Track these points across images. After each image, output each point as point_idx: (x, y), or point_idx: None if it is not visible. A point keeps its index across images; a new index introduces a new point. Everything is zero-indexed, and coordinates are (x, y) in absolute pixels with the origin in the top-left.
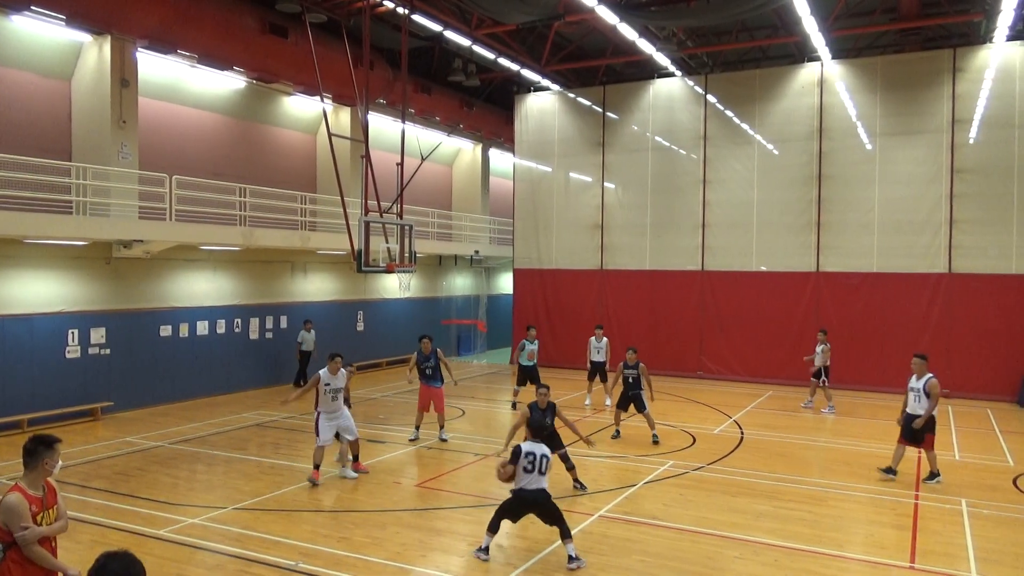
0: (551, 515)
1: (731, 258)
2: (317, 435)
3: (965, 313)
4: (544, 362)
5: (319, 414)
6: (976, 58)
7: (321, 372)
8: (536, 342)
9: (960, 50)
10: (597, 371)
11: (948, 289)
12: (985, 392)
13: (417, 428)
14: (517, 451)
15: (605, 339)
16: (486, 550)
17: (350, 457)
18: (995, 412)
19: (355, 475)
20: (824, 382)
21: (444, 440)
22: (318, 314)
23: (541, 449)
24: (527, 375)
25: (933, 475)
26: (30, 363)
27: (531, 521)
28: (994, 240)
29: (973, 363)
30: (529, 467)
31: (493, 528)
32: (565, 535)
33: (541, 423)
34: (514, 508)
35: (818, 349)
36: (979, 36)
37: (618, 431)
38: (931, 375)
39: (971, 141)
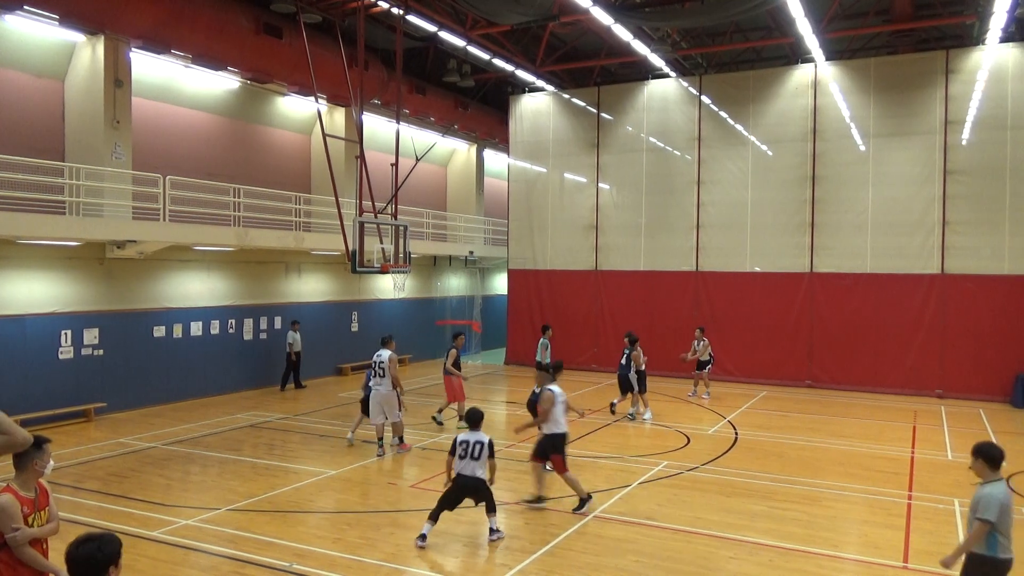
0: (483, 497)
1: (725, 259)
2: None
3: (958, 313)
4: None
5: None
6: (969, 60)
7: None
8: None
9: (953, 52)
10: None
11: (941, 290)
12: (978, 392)
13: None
14: (454, 443)
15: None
16: (423, 537)
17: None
18: (987, 412)
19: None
20: (707, 371)
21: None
22: (312, 315)
23: (476, 437)
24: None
25: (539, 499)
26: (23, 364)
27: (526, 521)
28: (987, 241)
29: (966, 363)
30: (463, 454)
31: (434, 517)
32: (490, 510)
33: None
34: (453, 495)
35: (699, 346)
36: (972, 38)
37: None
38: (542, 387)
39: (964, 142)
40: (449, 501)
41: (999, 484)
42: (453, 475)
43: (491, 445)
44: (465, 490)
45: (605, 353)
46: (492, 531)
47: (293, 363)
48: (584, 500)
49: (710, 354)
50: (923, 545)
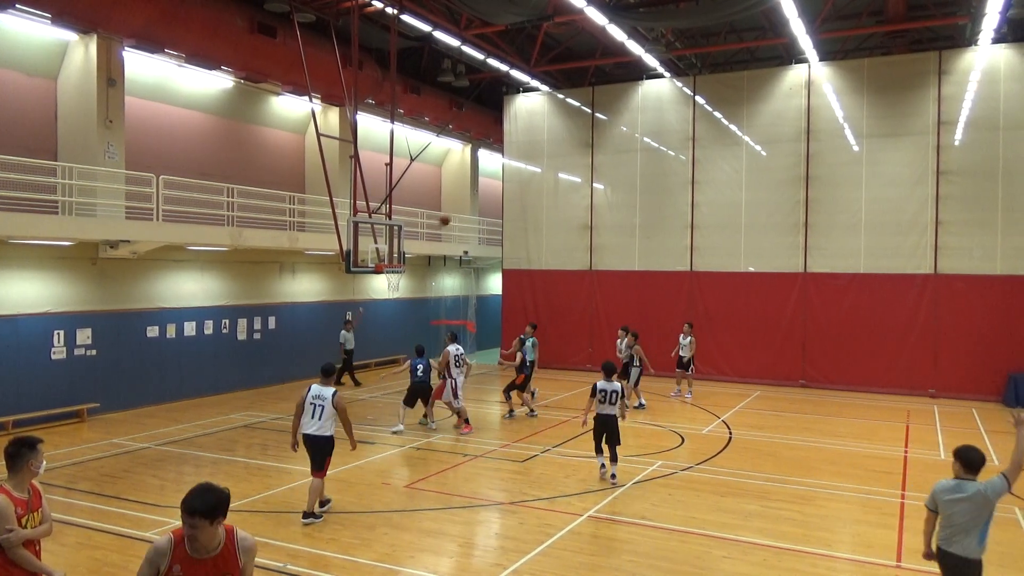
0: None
1: (719, 259)
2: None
3: (951, 313)
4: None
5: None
6: (961, 60)
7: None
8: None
9: (946, 52)
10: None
11: (934, 290)
12: (970, 392)
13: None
14: (594, 388)
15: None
16: (604, 467)
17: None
18: (980, 412)
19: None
20: (691, 371)
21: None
22: (307, 315)
23: (611, 387)
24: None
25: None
26: (15, 364)
27: (520, 521)
28: (979, 241)
29: (958, 363)
30: (603, 399)
31: (599, 451)
32: (613, 457)
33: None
34: (598, 430)
35: (685, 340)
36: (964, 39)
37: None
38: (332, 389)
39: (956, 143)
40: (598, 436)
41: (958, 480)
42: (593, 415)
43: (622, 391)
44: (603, 426)
45: (600, 353)
46: (612, 476)
47: (346, 360)
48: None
49: (691, 354)
50: (916, 544)
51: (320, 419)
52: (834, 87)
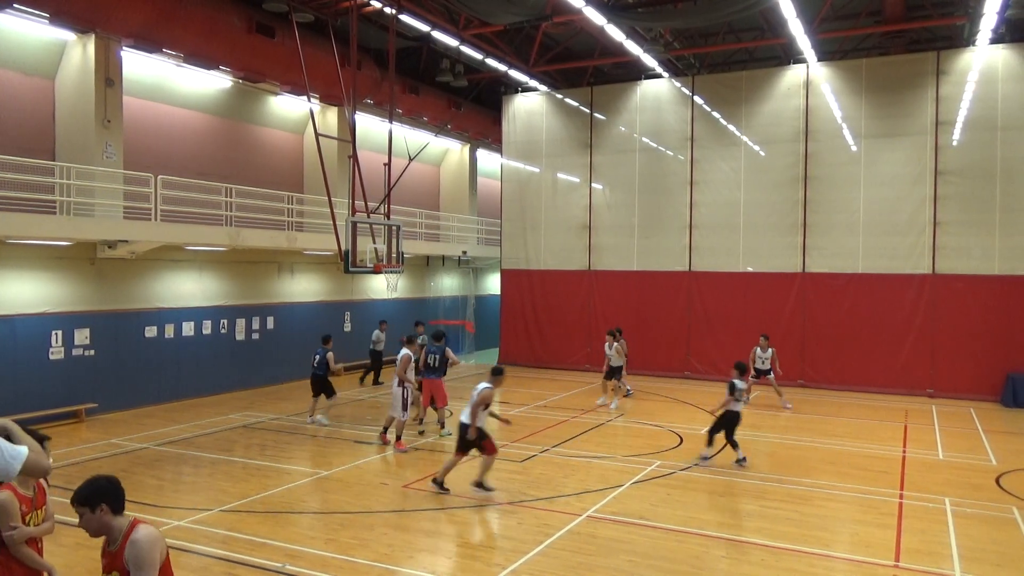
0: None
1: (718, 259)
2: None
3: (949, 314)
4: (532, 363)
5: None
6: (959, 61)
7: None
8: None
9: (944, 53)
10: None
11: (932, 290)
12: (968, 392)
13: (421, 421)
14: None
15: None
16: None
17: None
18: (978, 412)
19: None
20: (772, 377)
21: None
22: (305, 315)
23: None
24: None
25: (481, 485)
26: (13, 364)
27: (519, 521)
28: (977, 241)
29: (956, 363)
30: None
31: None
32: (735, 446)
33: None
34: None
35: (766, 353)
36: (962, 39)
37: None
38: (486, 384)
39: (954, 143)
40: (724, 429)
41: None
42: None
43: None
44: (731, 421)
45: (598, 353)
46: (740, 460)
47: (374, 360)
48: (484, 485)
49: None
50: (914, 544)
51: (469, 407)
52: (832, 87)
